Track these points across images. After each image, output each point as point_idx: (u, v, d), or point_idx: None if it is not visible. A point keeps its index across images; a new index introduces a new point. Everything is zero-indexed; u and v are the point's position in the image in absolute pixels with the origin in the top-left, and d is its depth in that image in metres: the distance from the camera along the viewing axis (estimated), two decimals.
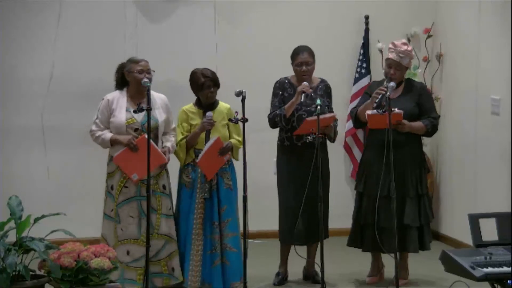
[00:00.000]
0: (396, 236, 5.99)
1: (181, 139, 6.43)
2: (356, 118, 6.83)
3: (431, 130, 6.75)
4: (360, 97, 7.28)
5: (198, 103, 6.52)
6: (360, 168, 6.92)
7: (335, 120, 6.76)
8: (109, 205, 6.33)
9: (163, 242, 6.32)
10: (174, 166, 6.51)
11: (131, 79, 6.28)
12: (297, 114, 6.71)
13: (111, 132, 6.28)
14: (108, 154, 6.39)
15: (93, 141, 6.38)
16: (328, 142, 6.83)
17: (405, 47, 6.69)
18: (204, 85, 6.43)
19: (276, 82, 6.86)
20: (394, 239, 5.97)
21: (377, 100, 6.56)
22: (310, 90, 6.64)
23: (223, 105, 6.54)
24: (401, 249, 6.61)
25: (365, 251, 6.89)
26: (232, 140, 6.48)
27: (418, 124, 6.69)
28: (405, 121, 6.58)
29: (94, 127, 6.33)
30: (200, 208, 6.42)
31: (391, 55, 6.69)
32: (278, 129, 6.84)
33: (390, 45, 6.75)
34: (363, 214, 6.74)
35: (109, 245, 6.22)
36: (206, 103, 6.48)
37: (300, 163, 6.69)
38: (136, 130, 6.26)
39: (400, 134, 6.58)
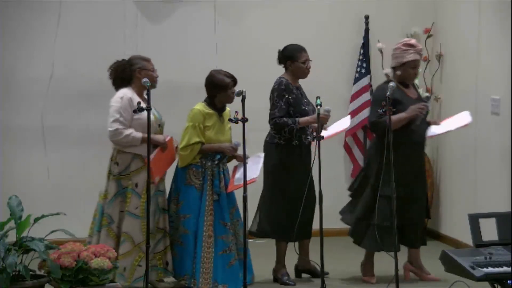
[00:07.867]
0: (396, 235, 6.00)
1: (197, 143, 6.38)
2: (385, 128, 6.14)
3: None
4: (371, 106, 6.91)
5: (211, 104, 6.49)
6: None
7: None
8: (134, 203, 6.29)
9: (160, 236, 6.43)
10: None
11: (143, 77, 6.21)
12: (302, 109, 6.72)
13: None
14: (129, 153, 6.28)
15: (117, 140, 6.21)
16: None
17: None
18: (229, 85, 6.43)
19: (281, 84, 6.75)
20: (394, 238, 5.98)
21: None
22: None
23: (227, 108, 6.56)
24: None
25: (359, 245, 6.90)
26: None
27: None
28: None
29: (119, 125, 6.20)
30: (210, 210, 6.43)
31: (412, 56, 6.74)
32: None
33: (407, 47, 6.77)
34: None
35: (135, 242, 6.27)
36: (223, 104, 6.49)
37: (293, 162, 6.71)
38: (159, 125, 6.40)
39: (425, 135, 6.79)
